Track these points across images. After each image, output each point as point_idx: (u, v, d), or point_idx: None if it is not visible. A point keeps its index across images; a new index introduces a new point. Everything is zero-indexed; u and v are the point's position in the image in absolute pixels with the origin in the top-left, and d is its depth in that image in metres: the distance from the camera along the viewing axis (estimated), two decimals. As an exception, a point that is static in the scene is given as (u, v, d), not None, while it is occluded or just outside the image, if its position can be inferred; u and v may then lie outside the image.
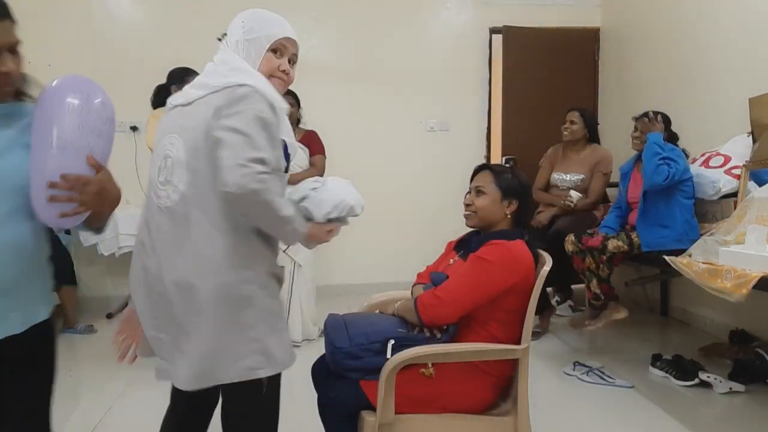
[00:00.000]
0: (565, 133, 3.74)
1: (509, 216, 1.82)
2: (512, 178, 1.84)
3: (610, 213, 3.34)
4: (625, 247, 2.99)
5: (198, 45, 4.44)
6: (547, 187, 3.86)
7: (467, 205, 1.85)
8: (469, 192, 1.87)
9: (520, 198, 1.83)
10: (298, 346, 3.40)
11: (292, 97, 3.60)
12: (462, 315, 1.69)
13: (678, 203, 2.96)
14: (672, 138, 3.19)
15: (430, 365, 1.68)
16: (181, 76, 3.11)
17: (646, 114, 3.15)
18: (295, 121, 3.63)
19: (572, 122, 3.71)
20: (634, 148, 3.23)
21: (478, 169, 1.89)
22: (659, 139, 2.98)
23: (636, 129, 3.18)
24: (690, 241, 2.81)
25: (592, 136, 3.76)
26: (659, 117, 3.10)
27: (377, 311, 1.95)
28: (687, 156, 3.20)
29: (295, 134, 3.57)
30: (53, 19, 4.29)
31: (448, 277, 1.75)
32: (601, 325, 3.15)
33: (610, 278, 3.10)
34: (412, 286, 1.94)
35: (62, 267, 3.79)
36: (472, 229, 1.92)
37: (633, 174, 3.28)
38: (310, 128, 3.75)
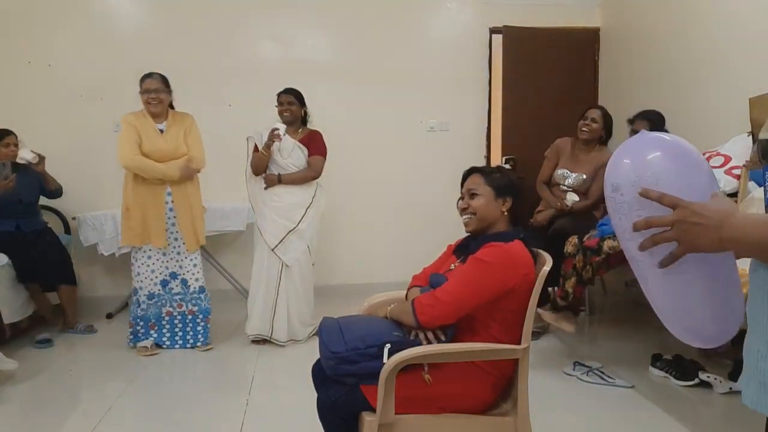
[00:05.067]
0: (583, 129, 3.64)
1: (506, 213, 1.83)
2: (501, 177, 1.85)
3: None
4: (620, 246, 2.98)
5: (198, 45, 4.48)
6: (550, 181, 3.84)
7: (463, 209, 1.84)
8: (462, 198, 1.86)
9: (513, 195, 1.84)
10: (283, 346, 3.38)
11: (291, 96, 3.49)
12: (460, 316, 1.68)
13: None
14: None
15: (426, 370, 1.67)
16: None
17: (640, 114, 3.13)
18: (298, 119, 3.53)
19: (593, 120, 3.62)
20: None
21: (467, 174, 1.90)
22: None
23: (633, 132, 3.17)
24: None
25: (606, 138, 3.71)
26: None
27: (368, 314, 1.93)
28: None
29: (298, 133, 3.56)
30: (53, 18, 4.27)
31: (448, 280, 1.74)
32: (543, 324, 3.18)
33: (588, 284, 3.04)
34: (408, 289, 1.93)
35: (62, 267, 3.79)
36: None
37: None
38: (315, 128, 3.61)
